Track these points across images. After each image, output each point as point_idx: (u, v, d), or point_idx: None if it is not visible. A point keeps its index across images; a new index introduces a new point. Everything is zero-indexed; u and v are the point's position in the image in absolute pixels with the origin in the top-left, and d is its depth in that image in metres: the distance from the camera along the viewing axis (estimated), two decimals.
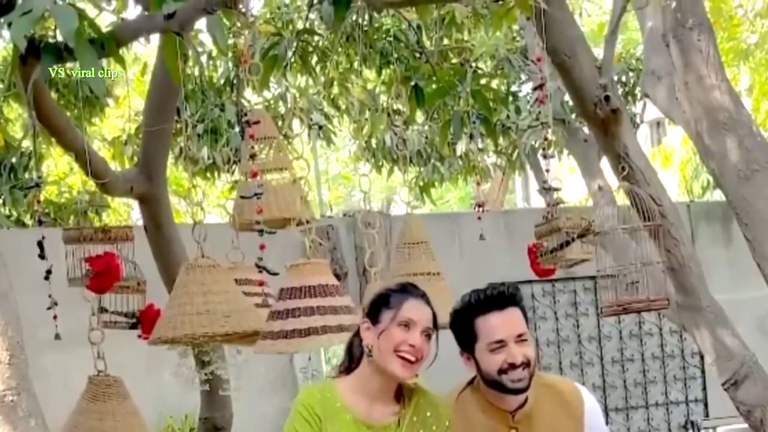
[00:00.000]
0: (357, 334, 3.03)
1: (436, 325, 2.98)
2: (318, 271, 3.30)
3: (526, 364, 3.02)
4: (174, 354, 4.37)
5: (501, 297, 3.05)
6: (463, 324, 3.09)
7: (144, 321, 4.26)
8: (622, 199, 4.47)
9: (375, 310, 2.99)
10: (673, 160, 15.36)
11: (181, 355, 4.45)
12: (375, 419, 2.93)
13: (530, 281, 9.37)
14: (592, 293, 10.29)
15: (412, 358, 2.89)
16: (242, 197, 3.74)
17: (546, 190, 4.32)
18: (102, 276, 4.01)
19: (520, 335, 3.03)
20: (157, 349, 3.76)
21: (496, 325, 3.02)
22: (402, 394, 2.99)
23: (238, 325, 3.39)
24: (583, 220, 4.20)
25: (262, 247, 3.72)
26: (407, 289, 2.98)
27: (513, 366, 3.01)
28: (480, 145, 8.00)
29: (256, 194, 3.59)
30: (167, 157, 5.42)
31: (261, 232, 3.64)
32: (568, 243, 4.16)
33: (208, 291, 3.43)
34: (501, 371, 3.01)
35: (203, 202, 3.67)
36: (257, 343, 3.37)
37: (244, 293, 3.68)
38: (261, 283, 3.93)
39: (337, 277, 3.55)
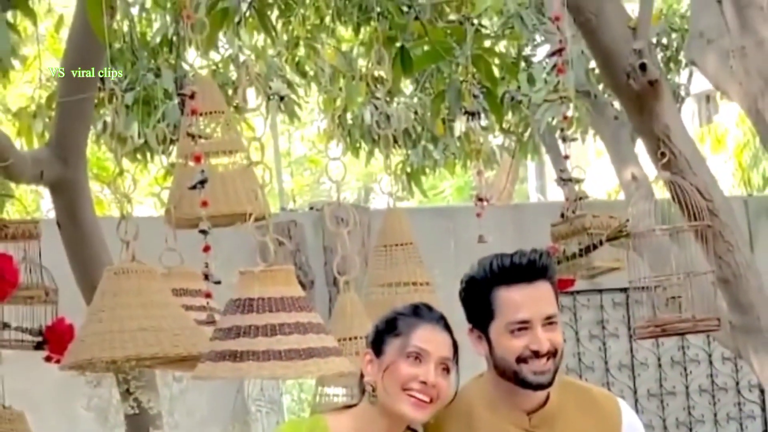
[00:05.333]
0: None
1: (457, 356, 3.04)
2: (281, 279, 3.26)
3: (553, 354, 3.05)
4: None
5: (531, 267, 3.06)
6: (479, 295, 3.10)
7: (51, 339, 4.28)
8: (661, 193, 4.48)
9: (379, 338, 3.06)
10: (726, 144, 15.37)
11: (94, 383, 4.49)
12: None
13: None
14: (623, 309, 10.31)
15: (425, 398, 2.95)
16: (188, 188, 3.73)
17: (565, 180, 4.33)
18: None
19: (549, 317, 3.06)
20: (69, 375, 3.69)
21: (522, 301, 3.04)
22: None
23: (180, 347, 3.41)
24: (612, 218, 4.20)
25: (206, 249, 3.72)
26: (419, 312, 3.06)
27: (536, 354, 3.03)
28: (483, 123, 7.99)
29: (198, 183, 3.59)
30: (87, 134, 5.47)
31: (204, 232, 3.64)
32: (593, 247, 4.17)
33: (148, 303, 3.47)
34: (520, 359, 3.03)
35: (132, 191, 3.64)
36: (198, 366, 3.31)
37: (183, 307, 3.69)
38: (208, 295, 3.96)
39: (301, 286, 3.31)
